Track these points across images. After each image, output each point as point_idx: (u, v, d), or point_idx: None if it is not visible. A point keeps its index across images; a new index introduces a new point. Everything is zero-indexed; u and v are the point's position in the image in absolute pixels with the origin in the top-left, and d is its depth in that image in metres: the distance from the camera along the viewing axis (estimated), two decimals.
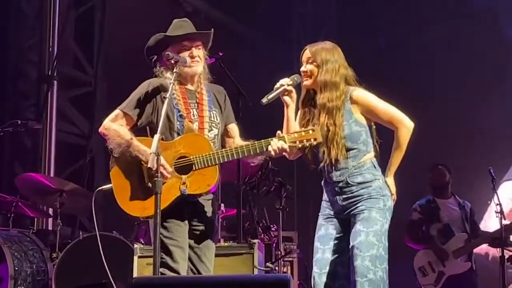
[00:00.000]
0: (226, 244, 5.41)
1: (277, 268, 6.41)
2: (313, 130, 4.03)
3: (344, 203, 4.18)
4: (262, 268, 5.36)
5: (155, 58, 4.24)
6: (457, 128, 9.07)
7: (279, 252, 6.68)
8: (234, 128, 4.38)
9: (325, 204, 4.31)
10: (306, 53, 4.28)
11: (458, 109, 9.13)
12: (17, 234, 6.34)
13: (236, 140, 4.31)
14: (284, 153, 4.08)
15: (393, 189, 4.24)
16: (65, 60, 8.73)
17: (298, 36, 10.60)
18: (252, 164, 4.64)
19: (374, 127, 4.28)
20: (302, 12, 10.75)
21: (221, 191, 5.47)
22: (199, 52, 4.26)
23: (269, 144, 4.00)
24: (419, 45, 9.38)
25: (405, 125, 4.19)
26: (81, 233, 6.55)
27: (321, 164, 4.23)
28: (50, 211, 7.47)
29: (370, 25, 9.77)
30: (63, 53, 8.60)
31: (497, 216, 6.71)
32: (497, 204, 6.67)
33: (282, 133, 4.07)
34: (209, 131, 4.20)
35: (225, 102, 4.38)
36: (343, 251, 4.21)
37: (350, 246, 4.12)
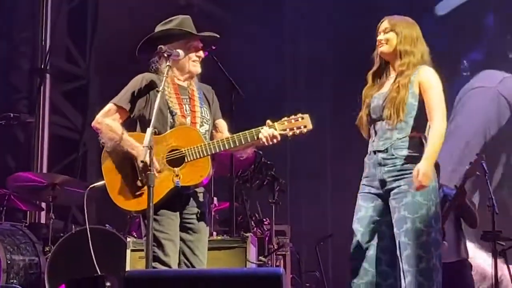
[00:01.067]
0: (219, 237, 5.41)
1: (269, 261, 6.41)
2: (302, 118, 4.01)
3: (385, 176, 4.04)
4: (255, 262, 5.37)
5: (158, 50, 4.13)
6: None
7: (272, 246, 6.69)
8: (222, 122, 4.41)
9: (365, 182, 4.17)
10: (384, 24, 4.27)
11: None
12: (10, 228, 6.33)
13: (225, 134, 4.32)
14: (274, 140, 4.01)
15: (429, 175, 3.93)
16: (58, 53, 8.72)
17: (292, 29, 10.57)
18: (241, 159, 4.63)
19: None
20: (296, 3, 10.70)
21: (214, 184, 5.46)
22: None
23: (260, 132, 4.00)
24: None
25: (440, 123, 4.00)
26: (73, 226, 6.55)
27: (372, 133, 4.15)
28: (43, 204, 7.45)
29: (367, 17, 9.72)
30: (56, 46, 8.59)
31: (489, 211, 6.73)
32: (490, 198, 6.69)
33: (271, 122, 4.04)
34: (201, 126, 4.22)
35: (213, 99, 4.41)
36: (384, 236, 4.07)
37: (395, 232, 3.98)
